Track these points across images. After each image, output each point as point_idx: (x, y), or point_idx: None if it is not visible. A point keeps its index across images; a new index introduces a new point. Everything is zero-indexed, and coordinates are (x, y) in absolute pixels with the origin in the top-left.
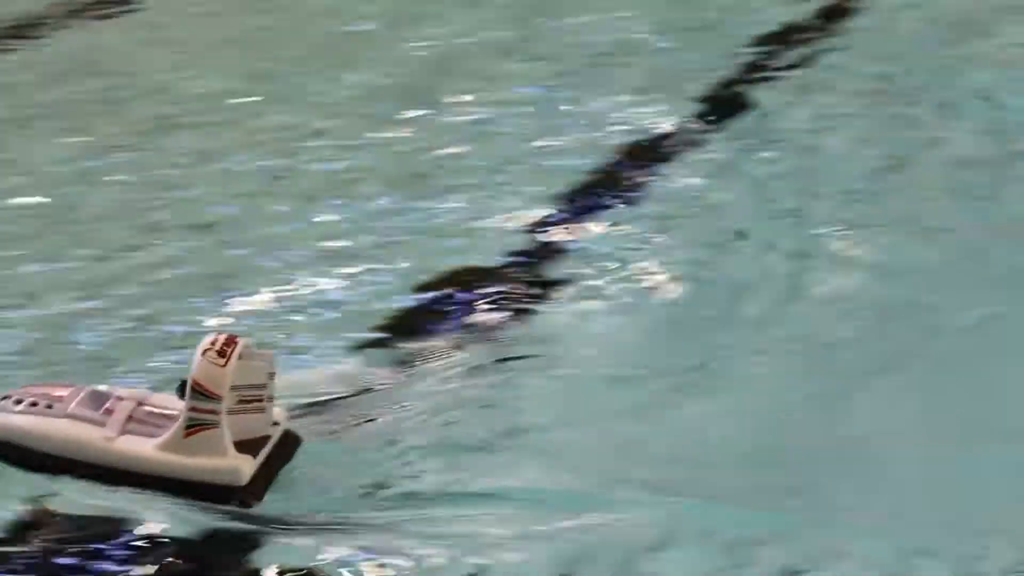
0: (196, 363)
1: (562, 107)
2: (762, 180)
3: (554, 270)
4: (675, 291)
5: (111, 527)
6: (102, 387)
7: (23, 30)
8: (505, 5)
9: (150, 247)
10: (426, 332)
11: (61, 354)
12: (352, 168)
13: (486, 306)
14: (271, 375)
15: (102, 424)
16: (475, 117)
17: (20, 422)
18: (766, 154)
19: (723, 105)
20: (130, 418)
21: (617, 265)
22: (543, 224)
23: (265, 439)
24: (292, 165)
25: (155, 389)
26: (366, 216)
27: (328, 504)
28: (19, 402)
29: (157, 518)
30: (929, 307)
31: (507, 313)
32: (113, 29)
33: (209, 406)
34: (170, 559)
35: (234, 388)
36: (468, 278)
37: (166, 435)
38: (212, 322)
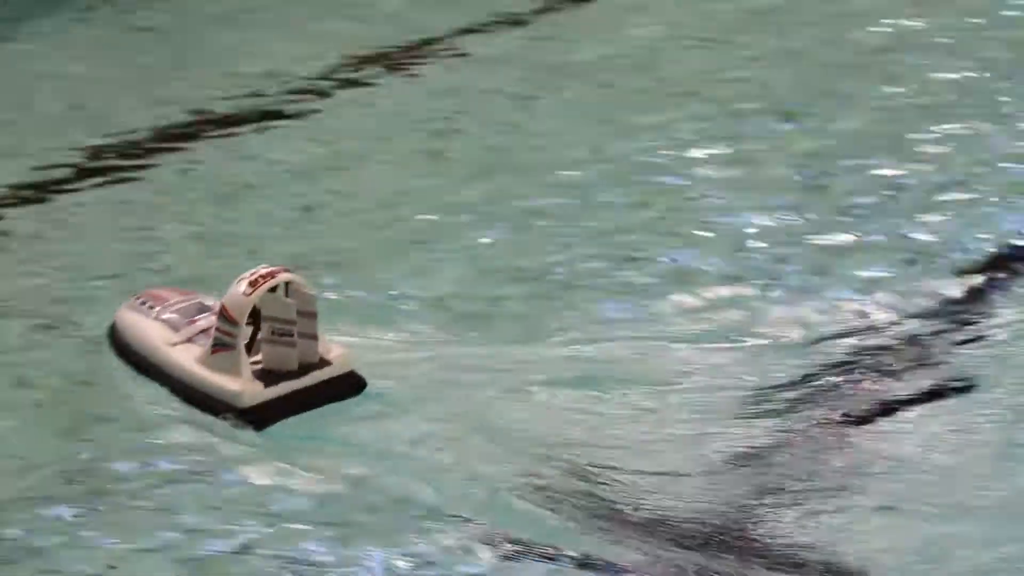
0: (230, 288)
1: None
2: None
3: None
4: None
5: None
6: (211, 300)
7: None
8: None
9: None
10: None
11: None
12: None
13: None
14: (306, 313)
15: (176, 330)
16: None
17: (125, 317)
18: None
19: None
20: (205, 331)
21: None
22: None
23: (299, 373)
24: None
25: None
26: None
27: None
28: (143, 303)
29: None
30: None
31: None
32: None
33: (229, 329)
34: None
35: (267, 319)
36: None
37: (203, 350)
38: None
